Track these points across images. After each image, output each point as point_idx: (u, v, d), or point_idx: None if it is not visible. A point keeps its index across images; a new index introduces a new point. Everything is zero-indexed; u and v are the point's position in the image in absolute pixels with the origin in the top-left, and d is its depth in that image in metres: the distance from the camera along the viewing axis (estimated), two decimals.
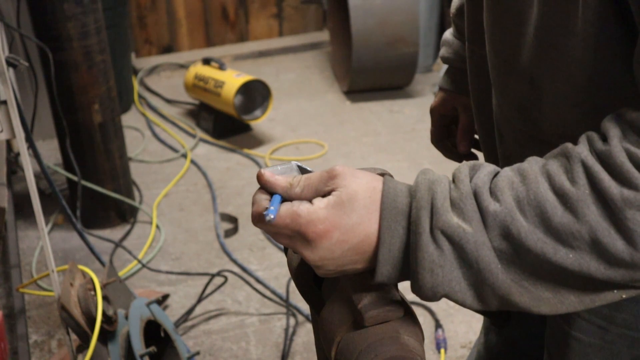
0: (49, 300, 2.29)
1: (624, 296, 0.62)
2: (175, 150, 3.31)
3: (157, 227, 2.70)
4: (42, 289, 2.32)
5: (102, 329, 1.68)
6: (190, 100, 3.75)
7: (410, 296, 0.76)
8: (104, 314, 1.67)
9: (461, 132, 1.18)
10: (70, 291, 1.67)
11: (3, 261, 2.34)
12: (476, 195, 0.62)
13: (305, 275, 0.76)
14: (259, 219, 0.67)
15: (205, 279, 2.36)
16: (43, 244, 1.64)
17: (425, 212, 0.62)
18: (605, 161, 0.59)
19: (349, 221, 0.64)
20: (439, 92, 1.21)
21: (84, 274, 1.80)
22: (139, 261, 2.38)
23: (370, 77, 3.68)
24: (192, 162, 3.18)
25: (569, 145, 0.63)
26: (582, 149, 0.61)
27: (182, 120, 3.61)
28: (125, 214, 2.73)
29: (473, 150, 1.20)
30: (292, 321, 2.18)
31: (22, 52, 2.56)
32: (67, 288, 1.68)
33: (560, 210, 0.59)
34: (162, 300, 2.23)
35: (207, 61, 3.48)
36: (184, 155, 3.25)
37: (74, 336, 1.74)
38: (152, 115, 3.67)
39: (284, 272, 2.42)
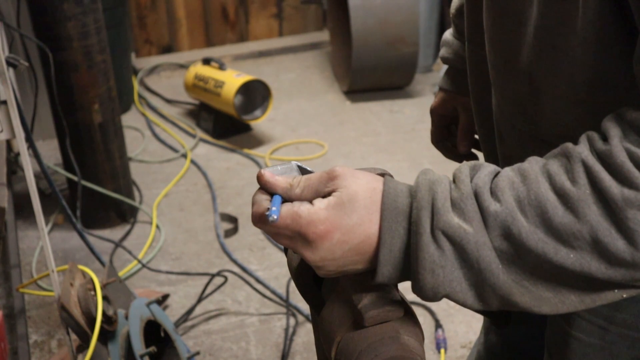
0: (49, 300, 2.29)
1: (624, 295, 0.62)
2: (175, 150, 3.31)
3: (157, 227, 2.70)
4: (42, 289, 2.32)
5: (102, 329, 1.68)
6: (190, 100, 3.75)
7: (410, 296, 0.76)
8: (104, 314, 1.67)
9: (461, 133, 1.18)
10: (70, 291, 1.67)
11: (3, 261, 2.34)
12: (477, 196, 0.62)
13: (305, 275, 0.76)
14: (259, 219, 0.67)
15: (205, 279, 2.36)
16: (43, 244, 1.64)
17: (426, 212, 0.62)
18: (606, 161, 0.59)
19: (349, 222, 0.64)
20: (439, 92, 1.21)
21: (84, 274, 1.80)
22: (139, 261, 2.38)
23: (370, 77, 3.67)
24: (192, 162, 3.18)
25: (570, 145, 0.63)
26: (582, 149, 0.61)
27: (182, 120, 3.60)
28: (125, 214, 2.73)
29: (473, 150, 1.20)
30: (292, 321, 2.18)
31: (22, 52, 2.56)
32: (67, 288, 1.68)
33: (561, 210, 0.59)
34: (162, 300, 2.23)
35: (207, 61, 3.48)
36: (184, 155, 3.25)
37: (74, 336, 1.74)
38: (152, 115, 3.67)
39: (284, 272, 2.42)
